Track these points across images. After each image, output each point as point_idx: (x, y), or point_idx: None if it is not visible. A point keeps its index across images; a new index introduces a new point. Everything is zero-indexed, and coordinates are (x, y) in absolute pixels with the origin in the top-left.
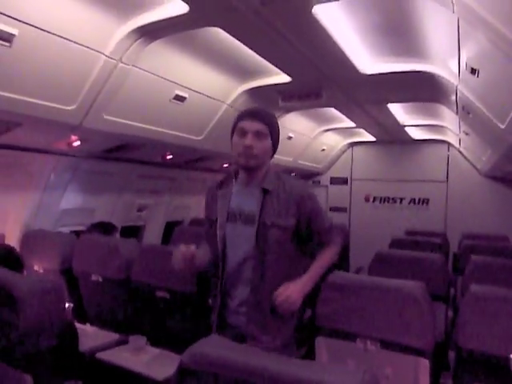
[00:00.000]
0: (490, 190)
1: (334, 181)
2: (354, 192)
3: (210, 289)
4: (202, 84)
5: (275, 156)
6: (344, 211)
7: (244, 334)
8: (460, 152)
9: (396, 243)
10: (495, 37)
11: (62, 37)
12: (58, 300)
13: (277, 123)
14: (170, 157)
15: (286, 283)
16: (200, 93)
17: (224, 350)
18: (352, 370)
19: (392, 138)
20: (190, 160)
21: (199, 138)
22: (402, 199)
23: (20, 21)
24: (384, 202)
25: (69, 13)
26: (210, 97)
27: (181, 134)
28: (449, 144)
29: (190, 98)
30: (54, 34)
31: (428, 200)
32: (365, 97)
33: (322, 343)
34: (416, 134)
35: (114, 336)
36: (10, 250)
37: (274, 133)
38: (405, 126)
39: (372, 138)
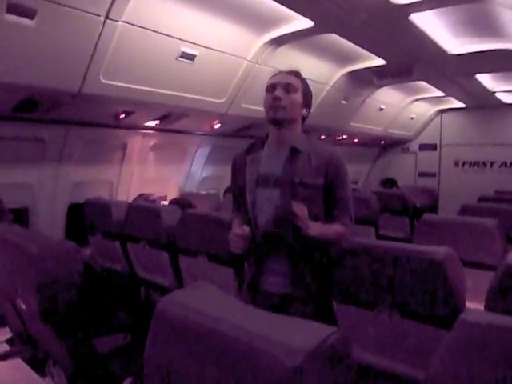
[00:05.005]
0: None
1: (423, 147)
2: (444, 157)
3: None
4: (310, 72)
5: (366, 126)
6: (433, 176)
7: (282, 299)
8: None
9: (483, 200)
10: None
11: (221, 51)
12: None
13: (307, 84)
14: None
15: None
16: (310, 78)
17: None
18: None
19: (482, 103)
20: None
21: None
22: (492, 163)
23: (199, 45)
24: (474, 166)
25: (226, 33)
26: (316, 81)
27: None
28: None
29: None
30: (218, 50)
31: None
32: (453, 71)
33: None
34: (507, 98)
35: None
36: (189, 202)
37: (306, 88)
38: (494, 92)
39: (461, 105)
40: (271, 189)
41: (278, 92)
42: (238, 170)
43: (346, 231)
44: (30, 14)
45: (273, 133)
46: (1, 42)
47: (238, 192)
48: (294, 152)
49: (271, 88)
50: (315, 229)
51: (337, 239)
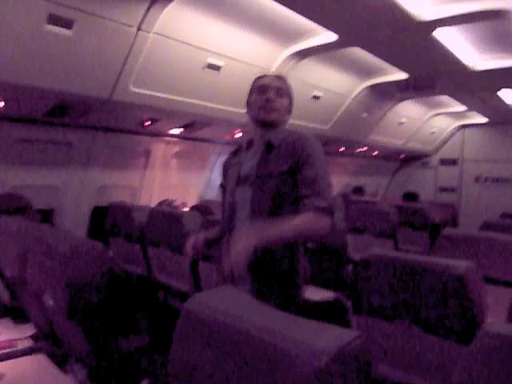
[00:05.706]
0: None
1: (444, 162)
2: (465, 172)
3: None
4: (332, 84)
5: (386, 139)
6: (453, 191)
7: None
8: None
9: (506, 216)
10: None
11: (246, 62)
12: None
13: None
14: None
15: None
16: (331, 91)
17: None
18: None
19: (505, 118)
20: None
21: (326, 126)
22: None
23: (225, 56)
24: (496, 182)
25: (252, 45)
26: (337, 93)
27: (312, 125)
28: None
29: (324, 96)
30: (243, 61)
31: None
32: (476, 87)
33: None
34: None
35: None
36: (209, 208)
37: (291, 94)
38: None
39: (484, 120)
40: (247, 187)
41: (271, 94)
42: (224, 173)
43: (318, 216)
44: (68, 24)
45: (258, 134)
46: (40, 51)
47: (223, 193)
48: (269, 147)
49: (262, 89)
50: (257, 234)
51: (305, 230)
